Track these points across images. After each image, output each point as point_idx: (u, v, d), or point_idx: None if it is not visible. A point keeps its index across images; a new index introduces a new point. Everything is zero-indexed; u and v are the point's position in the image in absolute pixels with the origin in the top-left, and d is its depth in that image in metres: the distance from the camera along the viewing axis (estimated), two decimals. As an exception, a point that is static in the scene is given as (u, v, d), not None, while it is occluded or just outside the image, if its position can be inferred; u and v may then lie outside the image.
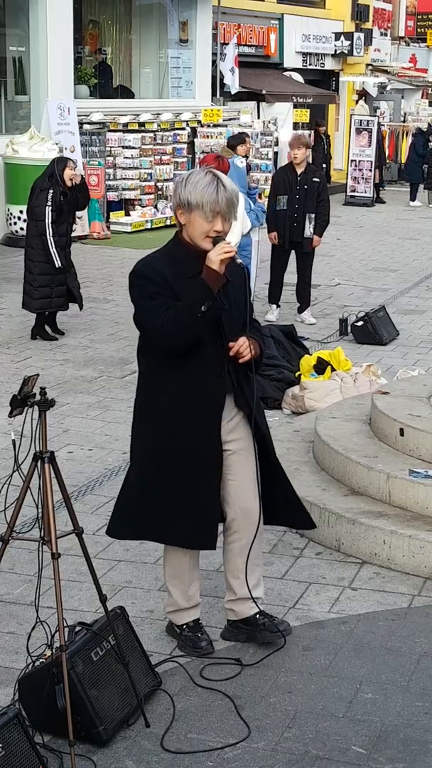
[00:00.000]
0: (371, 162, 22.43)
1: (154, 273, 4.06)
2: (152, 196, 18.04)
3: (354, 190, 22.45)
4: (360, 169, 22.51)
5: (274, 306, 11.00)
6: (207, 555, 4.69)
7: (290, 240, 10.65)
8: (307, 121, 21.27)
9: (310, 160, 12.80)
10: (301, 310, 11.09)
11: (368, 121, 23.33)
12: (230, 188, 4.03)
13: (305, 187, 10.59)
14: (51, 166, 9.68)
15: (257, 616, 4.45)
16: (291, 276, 11.08)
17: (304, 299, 11.08)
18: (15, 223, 15.10)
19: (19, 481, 3.66)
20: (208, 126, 18.85)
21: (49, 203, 9.42)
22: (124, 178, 17.61)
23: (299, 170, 10.61)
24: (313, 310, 11.33)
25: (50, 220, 9.42)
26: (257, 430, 4.27)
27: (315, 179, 10.74)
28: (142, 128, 18.05)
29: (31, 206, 9.62)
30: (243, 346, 4.10)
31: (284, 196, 10.57)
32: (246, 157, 11.58)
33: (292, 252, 10.89)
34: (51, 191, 9.43)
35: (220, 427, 4.18)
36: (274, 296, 10.99)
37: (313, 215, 10.62)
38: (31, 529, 5.20)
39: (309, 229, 10.65)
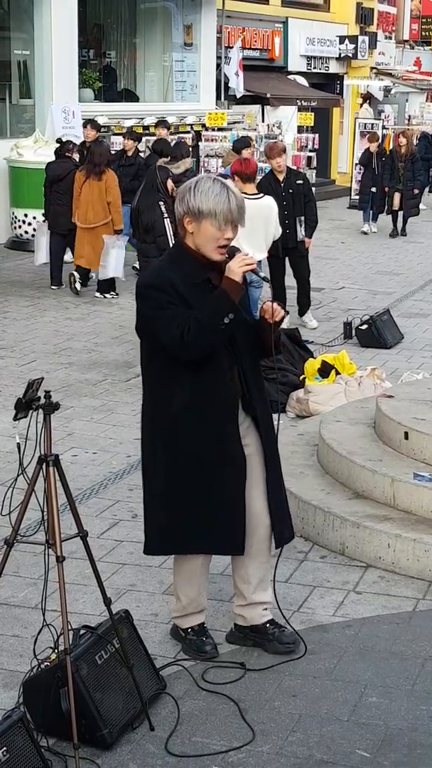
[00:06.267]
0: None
1: (163, 282, 4.02)
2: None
3: (358, 194, 22.37)
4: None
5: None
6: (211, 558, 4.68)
7: (284, 247, 10.60)
8: (312, 124, 21.24)
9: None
10: (302, 313, 11.06)
11: (372, 124, 23.29)
12: (239, 195, 4.05)
13: (290, 191, 10.60)
14: (152, 175, 8.58)
15: (267, 625, 4.43)
16: (289, 279, 11.05)
17: (303, 302, 11.05)
18: (20, 227, 15.11)
19: (23, 484, 3.66)
20: (213, 129, 18.86)
21: (166, 215, 8.42)
22: (128, 181, 17.61)
23: (281, 177, 10.62)
24: (318, 313, 11.32)
25: (172, 232, 8.42)
26: (268, 434, 4.25)
27: (298, 181, 10.75)
28: (147, 132, 18.06)
29: (151, 222, 8.62)
30: (274, 305, 4.09)
31: None
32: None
33: (286, 257, 10.86)
34: (164, 202, 8.43)
35: (239, 430, 4.15)
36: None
37: (302, 218, 10.62)
38: (35, 533, 5.20)
39: (301, 232, 10.63)
